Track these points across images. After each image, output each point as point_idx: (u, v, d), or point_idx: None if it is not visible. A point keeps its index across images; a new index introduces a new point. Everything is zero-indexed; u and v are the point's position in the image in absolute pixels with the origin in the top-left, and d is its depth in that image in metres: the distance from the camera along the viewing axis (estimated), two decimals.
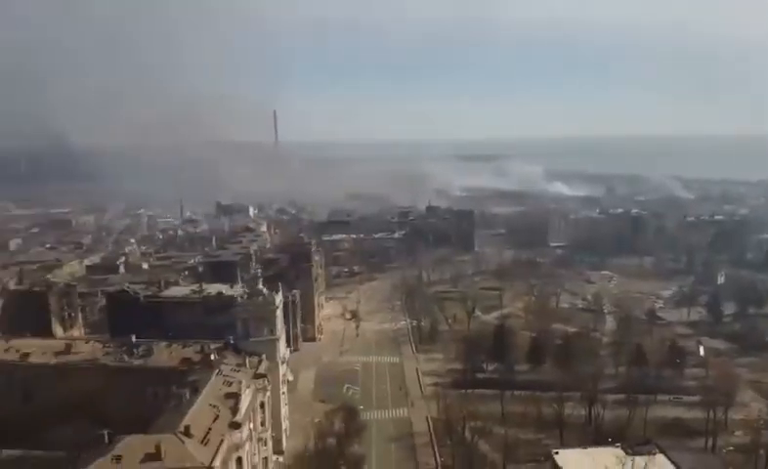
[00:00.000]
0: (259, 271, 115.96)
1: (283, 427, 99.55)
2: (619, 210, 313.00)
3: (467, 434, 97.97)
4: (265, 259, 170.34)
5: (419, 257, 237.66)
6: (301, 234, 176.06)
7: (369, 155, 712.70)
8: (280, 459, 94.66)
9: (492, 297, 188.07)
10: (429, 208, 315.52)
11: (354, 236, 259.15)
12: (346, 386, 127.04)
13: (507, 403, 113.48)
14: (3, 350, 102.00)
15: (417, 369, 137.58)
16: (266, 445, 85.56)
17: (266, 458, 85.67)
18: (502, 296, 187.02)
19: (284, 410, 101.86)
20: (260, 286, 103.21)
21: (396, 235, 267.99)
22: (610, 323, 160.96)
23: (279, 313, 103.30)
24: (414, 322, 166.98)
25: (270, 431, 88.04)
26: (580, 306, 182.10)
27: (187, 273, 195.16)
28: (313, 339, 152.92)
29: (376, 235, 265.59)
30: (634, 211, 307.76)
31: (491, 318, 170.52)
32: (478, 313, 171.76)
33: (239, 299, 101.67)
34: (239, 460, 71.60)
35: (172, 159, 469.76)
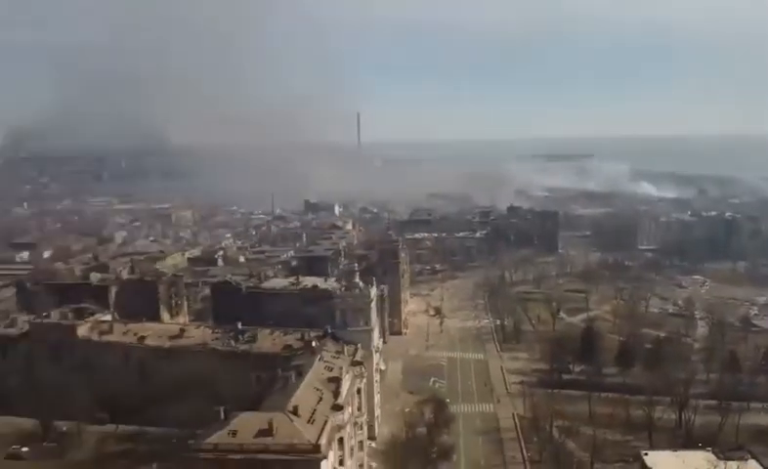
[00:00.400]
0: (355, 265, 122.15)
1: (376, 414, 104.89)
2: (713, 213, 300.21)
3: (554, 432, 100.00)
4: (354, 255, 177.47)
5: (501, 257, 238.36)
6: (389, 232, 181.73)
7: (447, 155, 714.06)
8: (373, 445, 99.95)
9: (578, 299, 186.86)
10: (511, 208, 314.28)
11: (435, 235, 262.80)
12: (432, 379, 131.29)
13: (594, 404, 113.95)
14: (122, 332, 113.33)
15: (502, 367, 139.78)
16: (361, 429, 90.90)
17: (361, 442, 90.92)
18: (588, 299, 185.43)
19: (377, 398, 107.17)
20: (356, 280, 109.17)
21: (477, 235, 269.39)
22: (702, 329, 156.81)
23: (374, 305, 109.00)
24: (498, 321, 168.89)
25: (365, 416, 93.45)
26: (671, 311, 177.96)
27: (280, 266, 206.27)
28: (399, 333, 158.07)
29: (458, 235, 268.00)
30: (728, 214, 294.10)
31: (577, 320, 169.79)
32: (562, 315, 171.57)
33: (338, 291, 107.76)
34: (341, 441, 77.23)
35: (262, 158, 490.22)
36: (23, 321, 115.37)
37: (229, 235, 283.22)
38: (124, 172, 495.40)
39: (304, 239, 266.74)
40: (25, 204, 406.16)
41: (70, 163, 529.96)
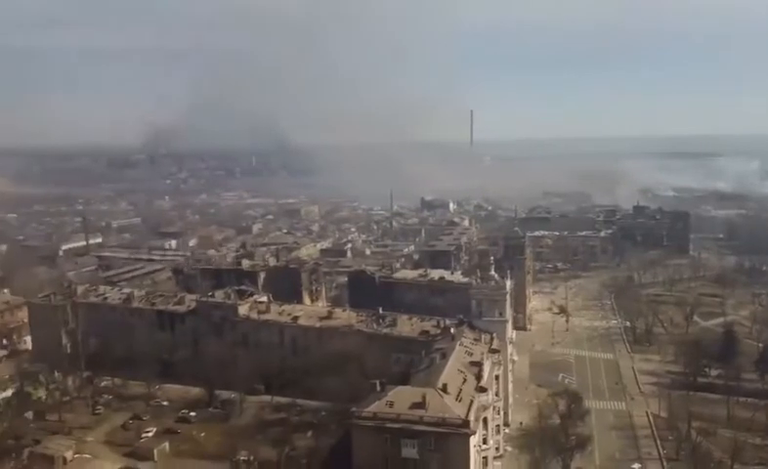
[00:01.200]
0: (491, 259, 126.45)
1: (509, 402, 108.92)
2: None
3: (692, 432, 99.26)
4: (479, 250, 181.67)
5: (628, 258, 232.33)
6: (515, 228, 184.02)
7: (556, 153, 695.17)
8: (506, 430, 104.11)
9: (712, 303, 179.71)
10: (636, 208, 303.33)
11: (557, 234, 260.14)
12: (561, 375, 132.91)
13: (733, 408, 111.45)
14: (277, 312, 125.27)
15: (633, 368, 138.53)
16: (498, 413, 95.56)
17: (498, 426, 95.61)
18: (724, 303, 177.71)
19: (510, 387, 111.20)
20: (492, 272, 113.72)
21: (602, 234, 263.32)
22: None
23: (509, 298, 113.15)
24: (627, 322, 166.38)
25: (502, 402, 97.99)
26: None
27: (403, 259, 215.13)
28: (523, 329, 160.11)
29: (580, 234, 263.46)
30: None
31: (712, 324, 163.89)
32: (696, 318, 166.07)
33: (474, 283, 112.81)
34: (485, 421, 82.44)
35: (380, 157, 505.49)
36: (190, 300, 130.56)
37: (354, 230, 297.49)
38: (254, 169, 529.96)
39: (423, 235, 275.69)
40: (167, 197, 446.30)
41: (205, 160, 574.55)
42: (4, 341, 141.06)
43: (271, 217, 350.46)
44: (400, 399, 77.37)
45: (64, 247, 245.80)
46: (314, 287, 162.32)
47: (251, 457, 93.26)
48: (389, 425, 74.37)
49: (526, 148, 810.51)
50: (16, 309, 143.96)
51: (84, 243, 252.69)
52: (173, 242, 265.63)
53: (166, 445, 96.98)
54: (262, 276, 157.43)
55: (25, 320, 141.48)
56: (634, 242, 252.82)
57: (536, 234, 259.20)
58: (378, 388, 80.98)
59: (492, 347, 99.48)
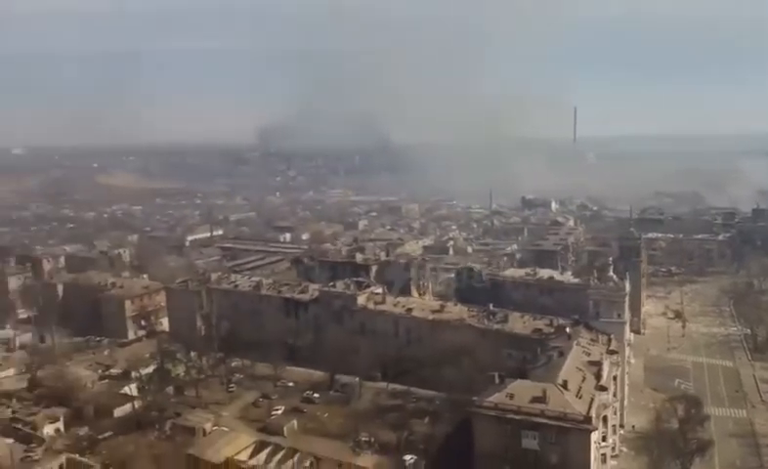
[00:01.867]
0: (610, 259, 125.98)
1: (625, 403, 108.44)
2: None
3: None
4: (588, 251, 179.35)
5: (746, 263, 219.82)
6: (631, 229, 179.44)
7: (662, 150, 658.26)
8: (621, 432, 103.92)
9: None
10: (756, 211, 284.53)
11: (671, 236, 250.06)
12: (677, 380, 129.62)
13: None
14: (392, 304, 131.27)
15: (754, 376, 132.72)
16: (615, 414, 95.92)
17: (614, 426, 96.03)
18: None
19: (626, 389, 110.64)
20: (610, 273, 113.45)
21: (719, 238, 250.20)
22: None
23: (627, 299, 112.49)
24: (747, 330, 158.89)
25: (618, 403, 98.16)
26: None
27: (506, 258, 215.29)
28: (637, 332, 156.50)
29: (696, 237, 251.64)
30: None
31: None
32: None
33: (592, 283, 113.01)
34: (605, 419, 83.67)
35: (479, 155, 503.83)
36: (313, 289, 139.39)
37: (454, 227, 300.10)
38: (356, 167, 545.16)
39: (525, 234, 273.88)
40: (278, 193, 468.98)
41: (312, 159, 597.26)
42: (143, 322, 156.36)
43: (374, 214, 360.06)
44: (520, 392, 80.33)
45: (190, 238, 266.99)
46: (421, 282, 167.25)
47: (372, 439, 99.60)
48: (510, 416, 77.51)
49: (631, 144, 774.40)
50: (154, 293, 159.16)
51: (209, 235, 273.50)
52: (287, 236, 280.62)
53: (294, 422, 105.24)
54: (374, 269, 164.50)
55: (162, 304, 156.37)
56: (754, 247, 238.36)
57: (649, 235, 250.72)
58: (497, 380, 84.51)
59: (610, 348, 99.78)
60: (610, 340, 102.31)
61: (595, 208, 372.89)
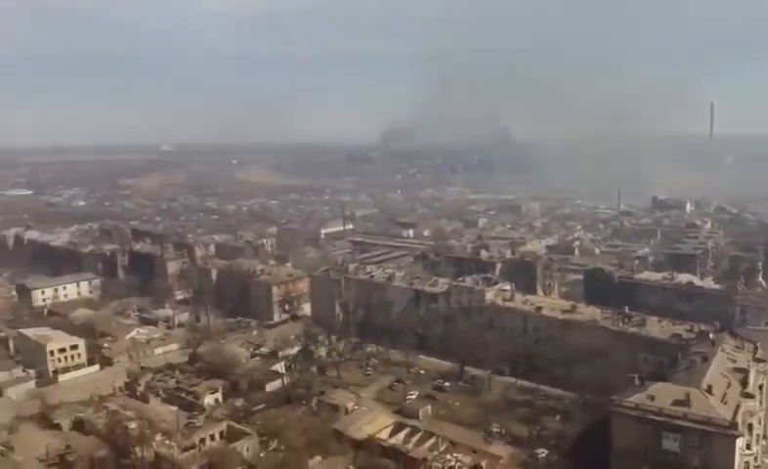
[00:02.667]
0: (759, 265, 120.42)
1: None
2: None
3: None
4: (731, 256, 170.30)
5: None
6: None
7: None
8: (764, 443, 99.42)
9: None
10: None
11: None
12: None
13: None
14: (521, 301, 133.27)
15: None
16: (760, 423, 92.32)
17: (758, 436, 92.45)
18: None
19: None
20: (760, 279, 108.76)
21: None
22: None
23: None
24: None
25: (764, 412, 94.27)
26: None
27: (637, 261, 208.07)
28: None
29: None
30: None
31: None
32: None
33: (740, 289, 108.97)
34: (750, 427, 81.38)
35: (605, 152, 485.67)
36: (442, 283, 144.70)
37: (579, 228, 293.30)
38: (475, 165, 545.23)
39: (658, 236, 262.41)
40: (399, 191, 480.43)
41: (431, 157, 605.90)
42: (286, 306, 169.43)
43: (493, 212, 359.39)
44: (661, 394, 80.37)
45: (324, 231, 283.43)
46: (547, 282, 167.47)
47: (503, 430, 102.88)
48: (651, 417, 78.00)
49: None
50: (297, 280, 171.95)
51: (341, 228, 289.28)
52: (410, 231, 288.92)
53: (428, 407, 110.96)
54: (498, 266, 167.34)
55: (304, 290, 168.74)
56: None
57: None
58: (637, 382, 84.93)
59: (757, 356, 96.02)
60: (756, 348, 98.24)
61: (734, 211, 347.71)
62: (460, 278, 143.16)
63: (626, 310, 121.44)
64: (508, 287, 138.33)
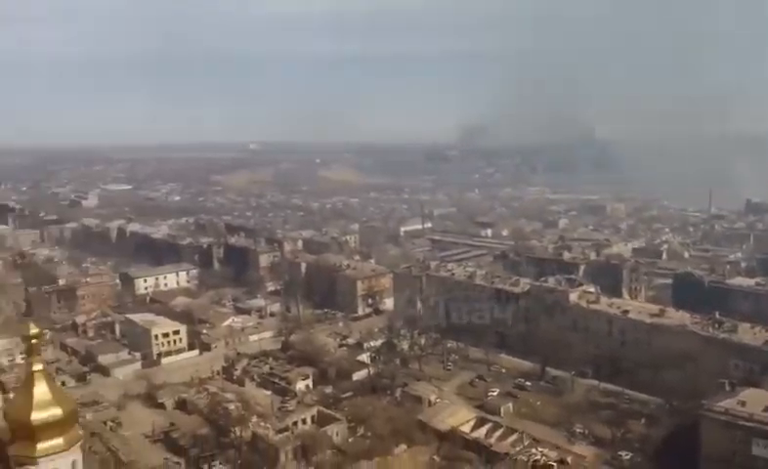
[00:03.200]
0: None
1: None
2: None
3: None
4: None
5: None
6: None
7: None
8: None
9: None
10: None
11: None
12: None
13: None
14: (606, 304, 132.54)
15: None
16: None
17: None
18: None
19: None
20: None
21: None
22: None
23: None
24: None
25: None
26: None
27: (728, 266, 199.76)
28: None
29: None
30: None
31: None
32: None
33: None
34: None
35: (696, 153, 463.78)
36: (524, 283, 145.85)
37: (667, 230, 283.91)
38: (556, 165, 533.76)
39: (751, 241, 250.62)
40: (476, 190, 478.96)
41: (510, 156, 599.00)
42: (369, 300, 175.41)
43: (574, 213, 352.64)
44: (752, 400, 79.77)
45: (404, 229, 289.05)
46: (633, 285, 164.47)
47: (586, 431, 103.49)
48: (741, 423, 77.53)
49: None
50: (380, 276, 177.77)
51: (420, 227, 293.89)
52: (489, 231, 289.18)
53: (510, 404, 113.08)
54: (582, 268, 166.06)
55: (387, 286, 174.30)
56: None
57: None
58: (728, 388, 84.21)
59: None
60: None
61: None
62: (542, 279, 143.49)
63: (717, 315, 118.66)
64: (593, 289, 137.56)
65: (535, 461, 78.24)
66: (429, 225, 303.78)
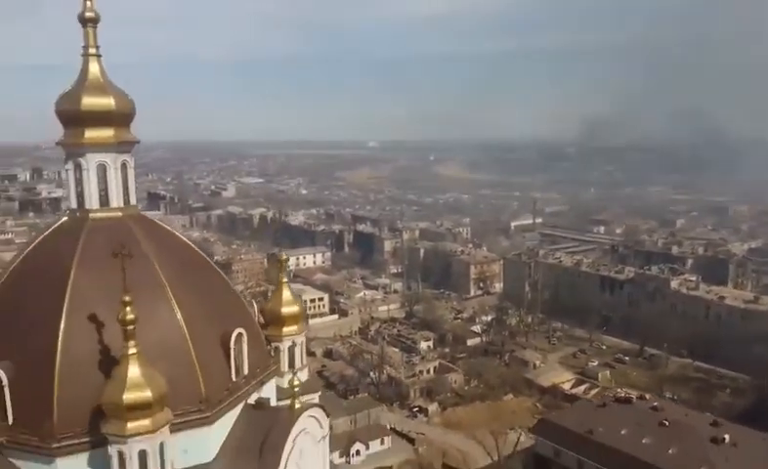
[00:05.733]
0: None
1: None
2: None
3: None
4: None
5: None
6: None
7: None
8: None
9: None
10: None
11: None
12: None
13: None
14: (704, 291, 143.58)
15: None
16: None
17: None
18: None
19: None
20: None
21: None
22: None
23: None
24: None
25: None
26: None
27: None
28: None
29: None
30: None
31: None
32: None
33: None
34: None
35: None
36: (628, 270, 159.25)
37: None
38: (681, 164, 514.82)
39: None
40: (593, 189, 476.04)
41: (632, 154, 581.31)
42: (480, 284, 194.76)
43: (695, 214, 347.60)
44: None
45: (514, 223, 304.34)
46: (740, 280, 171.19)
47: (675, 397, 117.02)
48: None
49: None
50: (491, 262, 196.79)
51: (531, 221, 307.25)
52: (601, 228, 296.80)
53: (607, 372, 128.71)
54: (689, 261, 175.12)
55: (497, 271, 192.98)
56: None
57: None
58: None
59: None
60: None
61: None
62: (646, 267, 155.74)
63: None
64: (693, 278, 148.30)
65: (617, 393, 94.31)
66: (539, 220, 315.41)
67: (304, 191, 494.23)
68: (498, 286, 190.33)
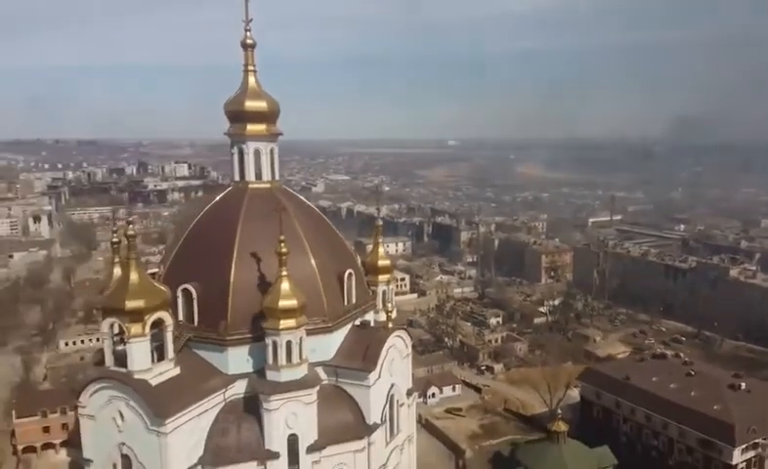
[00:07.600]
0: None
1: None
2: None
3: None
4: None
5: None
6: None
7: None
8: None
9: None
10: None
11: None
12: None
13: None
14: (762, 279, 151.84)
15: None
16: None
17: None
18: None
19: None
20: None
21: None
22: None
23: None
24: None
25: None
26: None
27: None
28: None
29: None
30: None
31: None
32: None
33: None
34: None
35: None
36: (691, 260, 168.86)
37: None
38: None
39: None
40: (679, 189, 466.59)
41: (725, 154, 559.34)
42: (552, 273, 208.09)
43: None
44: None
45: (592, 220, 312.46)
46: None
47: None
48: None
49: None
50: (562, 252, 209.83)
51: (608, 218, 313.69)
52: (682, 226, 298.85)
53: (662, 347, 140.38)
54: (757, 255, 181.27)
55: (567, 262, 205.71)
56: None
57: None
58: None
59: None
60: None
61: None
62: (708, 257, 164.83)
63: None
64: (753, 268, 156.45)
65: (654, 351, 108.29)
66: (618, 217, 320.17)
67: (386, 188, 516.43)
68: (569, 276, 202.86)
